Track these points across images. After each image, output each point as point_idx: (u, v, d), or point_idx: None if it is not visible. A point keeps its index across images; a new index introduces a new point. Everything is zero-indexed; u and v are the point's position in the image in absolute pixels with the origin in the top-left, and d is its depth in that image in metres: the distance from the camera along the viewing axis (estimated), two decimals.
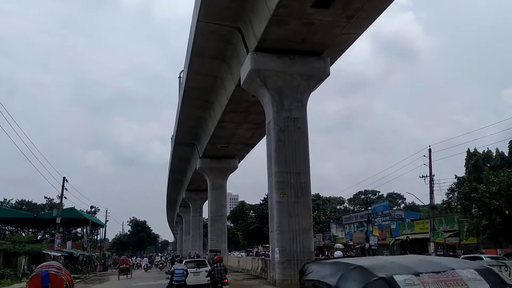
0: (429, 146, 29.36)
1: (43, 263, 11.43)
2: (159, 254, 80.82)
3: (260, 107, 24.57)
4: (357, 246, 41.68)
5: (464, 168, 40.08)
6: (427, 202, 29.60)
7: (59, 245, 34.60)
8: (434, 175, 29.20)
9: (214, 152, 35.11)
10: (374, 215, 40.27)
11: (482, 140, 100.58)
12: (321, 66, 17.62)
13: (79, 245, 49.44)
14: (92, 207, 49.80)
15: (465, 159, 39.93)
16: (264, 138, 37.40)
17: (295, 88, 17.39)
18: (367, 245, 38.72)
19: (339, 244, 40.66)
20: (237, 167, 37.25)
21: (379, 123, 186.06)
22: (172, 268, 15.09)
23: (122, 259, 33.23)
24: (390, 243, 36.37)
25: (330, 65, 18.06)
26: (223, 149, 34.45)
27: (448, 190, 35.03)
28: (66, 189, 34.01)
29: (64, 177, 34.15)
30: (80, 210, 49.57)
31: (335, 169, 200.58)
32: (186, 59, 23.62)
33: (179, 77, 36.90)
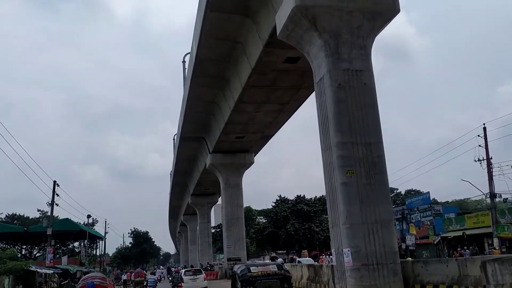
0: (484, 124, 24.88)
1: (87, 275, 12.01)
2: (161, 267, 75.50)
3: (290, 78, 20.11)
4: None
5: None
6: (485, 190, 24.97)
7: (52, 261, 29.76)
8: (491, 158, 24.63)
9: (228, 146, 30.51)
10: (410, 211, 35.60)
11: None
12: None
13: (76, 260, 44.54)
14: (89, 216, 44.88)
15: None
16: (283, 129, 32.99)
17: (355, 30, 12.81)
18: (403, 246, 33.95)
19: None
20: (253, 162, 32.63)
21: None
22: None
23: (136, 272, 31.18)
24: (435, 242, 31.55)
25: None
26: (238, 141, 29.86)
27: None
28: (57, 195, 29.22)
29: (54, 181, 29.39)
30: (77, 222, 44.83)
31: None
32: (198, 21, 19.06)
33: (183, 61, 32.55)
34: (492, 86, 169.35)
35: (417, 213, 34.54)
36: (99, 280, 10.50)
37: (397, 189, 69.61)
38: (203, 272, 25.90)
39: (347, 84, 12.43)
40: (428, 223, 33.84)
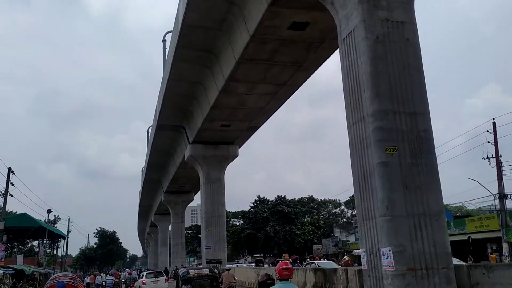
0: (493, 118, 22.80)
1: (56, 275, 12.37)
2: (127, 269, 71.16)
3: (292, 51, 17.26)
4: None
5: None
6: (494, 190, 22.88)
7: (2, 260, 25.86)
8: (501, 156, 22.57)
9: (210, 135, 27.47)
10: None
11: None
12: None
13: (34, 260, 40.27)
14: (49, 211, 40.60)
15: None
16: (256, 133, 30.36)
17: None
18: None
19: (357, 251, 33.58)
20: (238, 155, 29.65)
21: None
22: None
23: (111, 273, 32.33)
24: None
25: None
26: (222, 131, 26.87)
27: None
28: (12, 184, 25.37)
29: (9, 168, 25.50)
30: (38, 220, 40.56)
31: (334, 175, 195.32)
32: None
33: (163, 40, 29.36)
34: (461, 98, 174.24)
35: None
36: (69, 280, 10.10)
37: None
38: (164, 274, 28.32)
39: (386, 38, 9.72)
40: None
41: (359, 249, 35.54)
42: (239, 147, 30.28)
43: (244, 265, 36.79)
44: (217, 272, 16.96)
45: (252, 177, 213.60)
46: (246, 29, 15.94)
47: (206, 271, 16.63)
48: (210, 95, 22.24)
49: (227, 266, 19.80)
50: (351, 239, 44.50)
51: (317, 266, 17.51)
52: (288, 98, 24.77)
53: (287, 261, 8.27)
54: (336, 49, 18.25)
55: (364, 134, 9.58)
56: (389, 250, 8.65)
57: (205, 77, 21.69)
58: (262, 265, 28.11)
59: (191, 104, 25.38)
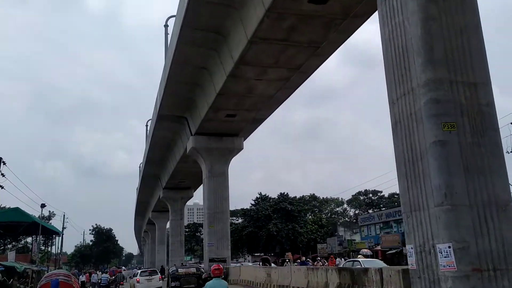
0: None
1: (51, 272, 12.71)
2: (123, 268, 69.32)
3: (311, 29, 15.73)
4: (391, 251, 33.13)
5: None
6: None
7: None
8: None
9: (215, 126, 25.92)
10: None
11: None
12: None
13: (27, 257, 38.58)
14: (43, 205, 38.86)
15: None
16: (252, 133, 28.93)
17: None
18: (404, 250, 30.20)
19: (365, 250, 32.12)
20: (243, 148, 28.09)
21: (342, 132, 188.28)
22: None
23: (112, 270, 32.98)
24: None
25: None
26: (227, 122, 25.32)
27: None
28: (2, 175, 23.76)
29: (0, 158, 23.86)
30: (32, 215, 38.85)
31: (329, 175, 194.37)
32: None
33: (165, 25, 27.74)
34: None
35: None
36: (63, 277, 10.04)
37: (381, 191, 66.49)
38: (158, 272, 28.47)
39: None
40: None
41: (366, 249, 34.05)
42: (244, 140, 28.76)
43: (250, 263, 35.18)
44: (202, 270, 19.31)
45: (248, 176, 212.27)
46: (261, 2, 14.39)
47: (193, 270, 19.52)
48: (217, 81, 20.68)
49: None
50: (357, 238, 43.00)
51: (362, 266, 15.47)
52: (297, 88, 23.41)
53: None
54: (356, 29, 16.91)
55: (413, 109, 8.07)
56: (449, 247, 7.14)
57: (211, 61, 20.12)
58: (268, 264, 26.51)
59: (195, 92, 23.81)
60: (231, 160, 28.03)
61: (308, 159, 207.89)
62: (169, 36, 25.11)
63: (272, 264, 27.40)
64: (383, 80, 9.03)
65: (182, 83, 22.94)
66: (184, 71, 21.59)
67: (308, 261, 27.80)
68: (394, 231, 35.34)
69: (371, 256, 30.66)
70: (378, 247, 35.76)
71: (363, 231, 41.02)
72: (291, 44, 16.65)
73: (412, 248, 8.07)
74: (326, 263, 27.82)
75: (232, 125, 25.87)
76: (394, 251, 32.75)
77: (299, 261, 30.55)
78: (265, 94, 21.59)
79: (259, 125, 29.28)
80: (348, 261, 19.95)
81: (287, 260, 28.07)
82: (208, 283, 7.18)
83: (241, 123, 25.67)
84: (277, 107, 26.05)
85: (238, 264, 29.49)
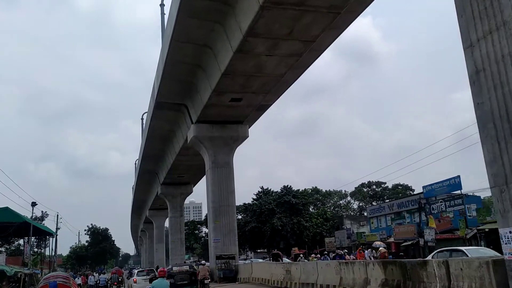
0: None
1: (49, 274, 12.28)
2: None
3: None
4: (406, 243, 31.35)
5: None
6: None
7: None
8: None
9: (217, 113, 23.99)
10: (428, 200, 30.12)
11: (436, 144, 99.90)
12: None
13: (18, 259, 36.42)
14: (34, 204, 36.60)
15: None
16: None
17: None
18: (421, 242, 28.45)
19: (378, 243, 30.34)
20: (248, 136, 26.15)
21: (336, 127, 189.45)
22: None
23: (114, 270, 32.44)
24: (467, 236, 26.00)
25: None
26: (231, 107, 23.40)
27: None
28: None
29: None
30: (24, 216, 36.68)
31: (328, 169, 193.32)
32: None
33: (161, 5, 25.75)
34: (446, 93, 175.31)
35: (441, 202, 29.17)
36: (62, 280, 10.04)
37: (385, 183, 64.74)
38: (155, 272, 28.37)
39: None
40: (451, 215, 28.58)
41: (379, 241, 32.20)
42: (249, 127, 26.85)
43: (260, 260, 33.28)
44: (195, 268, 20.44)
45: (243, 173, 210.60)
46: None
47: (186, 267, 20.79)
48: (222, 59, 18.69)
49: (203, 261, 24.22)
50: (365, 230, 41.25)
51: (468, 255, 11.82)
52: (307, 68, 21.98)
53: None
54: None
55: (507, 50, 6.15)
56: None
57: (216, 37, 18.11)
58: (280, 259, 24.66)
59: (196, 75, 21.81)
60: (235, 149, 26.08)
61: (302, 154, 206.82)
62: (166, 16, 23.19)
63: (285, 259, 25.53)
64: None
65: (182, 63, 20.98)
66: (185, 50, 19.63)
67: (344, 254, 25.71)
68: (408, 222, 33.70)
69: (385, 248, 28.80)
70: (391, 239, 34.07)
71: (372, 223, 39.29)
72: (308, 9, 14.69)
73: (509, 233, 6.18)
74: (352, 256, 25.98)
75: (236, 111, 23.94)
76: (409, 242, 31.00)
77: (328, 254, 27.95)
78: (275, 73, 19.63)
79: (263, 113, 27.49)
80: (439, 251, 14.69)
81: (301, 256, 26.21)
82: (153, 282, 8.87)
83: (246, 108, 23.74)
84: (285, 91, 24.32)
85: (248, 261, 27.51)
